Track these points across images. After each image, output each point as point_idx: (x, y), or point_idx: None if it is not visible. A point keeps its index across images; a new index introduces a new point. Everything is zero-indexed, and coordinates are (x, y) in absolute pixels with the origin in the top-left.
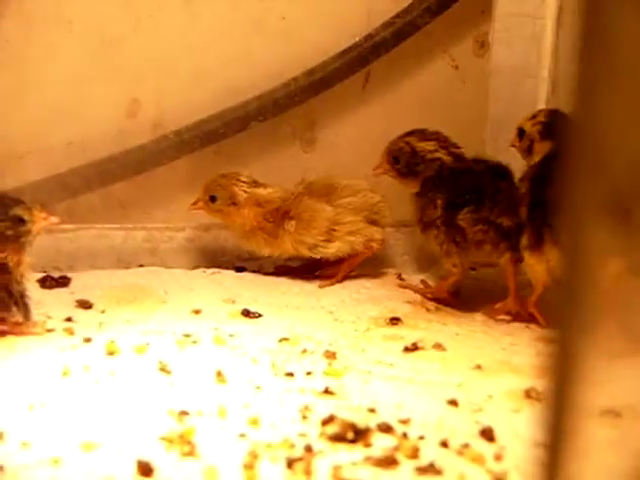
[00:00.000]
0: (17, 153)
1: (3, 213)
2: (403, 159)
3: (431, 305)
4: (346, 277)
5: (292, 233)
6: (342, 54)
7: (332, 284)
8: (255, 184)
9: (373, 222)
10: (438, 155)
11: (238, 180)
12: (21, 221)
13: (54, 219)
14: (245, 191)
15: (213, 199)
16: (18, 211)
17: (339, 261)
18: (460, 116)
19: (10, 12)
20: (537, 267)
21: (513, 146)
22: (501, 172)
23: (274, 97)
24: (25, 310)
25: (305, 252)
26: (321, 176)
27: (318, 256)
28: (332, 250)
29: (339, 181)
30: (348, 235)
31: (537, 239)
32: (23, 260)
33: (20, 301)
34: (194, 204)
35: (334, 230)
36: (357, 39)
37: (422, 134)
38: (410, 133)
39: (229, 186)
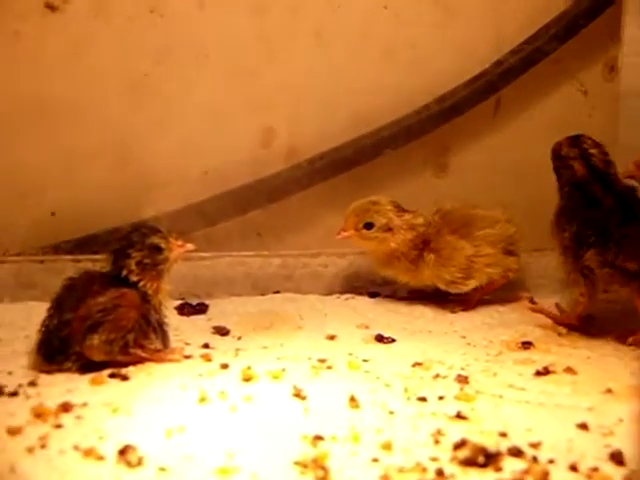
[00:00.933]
0: (156, 183)
1: (141, 242)
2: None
3: (563, 329)
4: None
5: (430, 267)
6: (472, 81)
7: (466, 310)
8: (400, 209)
9: (509, 252)
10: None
11: (392, 206)
12: (158, 249)
13: (190, 246)
14: (399, 216)
15: (370, 226)
16: (155, 240)
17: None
18: None
19: (148, 47)
20: None
21: (630, 177)
22: (630, 212)
23: (406, 124)
24: (164, 337)
25: (442, 286)
26: (457, 206)
27: (455, 291)
28: (470, 286)
29: (476, 212)
30: (486, 267)
31: None
32: (161, 288)
33: (159, 329)
34: (343, 232)
35: (472, 263)
36: (486, 66)
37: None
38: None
39: (386, 212)
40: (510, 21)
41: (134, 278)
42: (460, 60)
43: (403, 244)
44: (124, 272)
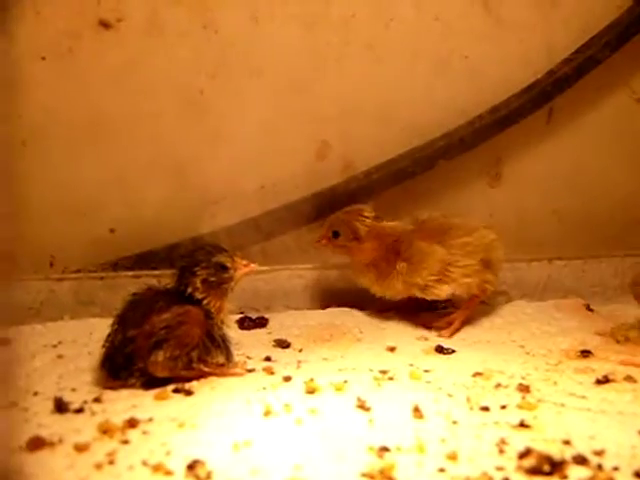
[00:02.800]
0: (212, 199)
1: (207, 260)
2: None
3: (621, 337)
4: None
5: (404, 275)
6: (525, 91)
7: (451, 335)
8: (377, 218)
9: (487, 263)
10: None
11: (360, 215)
12: (224, 268)
13: (255, 266)
14: (367, 225)
15: (336, 235)
16: (221, 258)
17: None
18: None
19: (202, 63)
20: None
21: None
22: None
23: (460, 135)
24: (227, 352)
25: (418, 293)
26: (434, 215)
27: (431, 298)
28: (445, 292)
29: (453, 220)
30: (463, 277)
31: None
32: (224, 306)
33: (222, 344)
34: (318, 241)
35: (447, 270)
36: (539, 76)
37: None
38: None
39: (351, 222)
40: (562, 30)
41: (199, 296)
42: (513, 70)
43: (369, 254)
44: (189, 289)
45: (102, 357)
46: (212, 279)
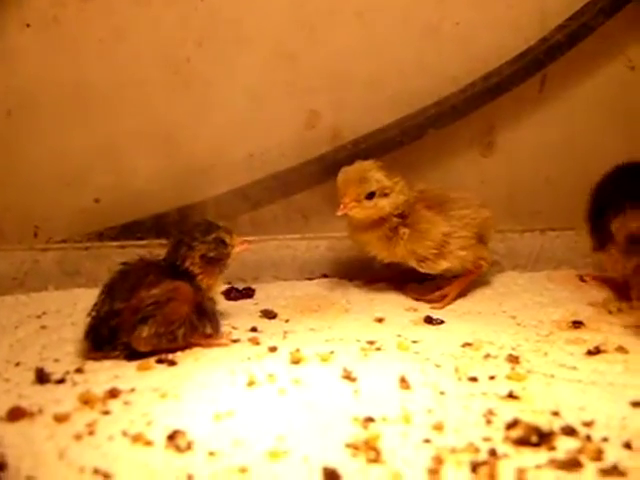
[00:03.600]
0: (200, 168)
1: (206, 235)
2: None
3: (613, 307)
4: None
5: (405, 240)
6: (517, 58)
7: (443, 307)
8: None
9: (481, 239)
10: None
11: (381, 169)
12: (223, 244)
13: (250, 245)
14: (391, 179)
15: (372, 196)
16: (221, 234)
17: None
18: (638, 118)
19: (189, 31)
20: None
21: None
22: None
23: (451, 103)
24: (215, 324)
25: (414, 263)
26: (431, 186)
27: (426, 271)
28: (441, 267)
29: (450, 193)
30: (459, 250)
31: None
32: (216, 283)
33: (211, 317)
34: (345, 207)
35: (446, 243)
36: (532, 43)
37: None
38: None
39: (381, 178)
40: None
41: (196, 271)
42: (505, 37)
43: (395, 208)
44: (186, 264)
45: (87, 327)
46: (211, 254)
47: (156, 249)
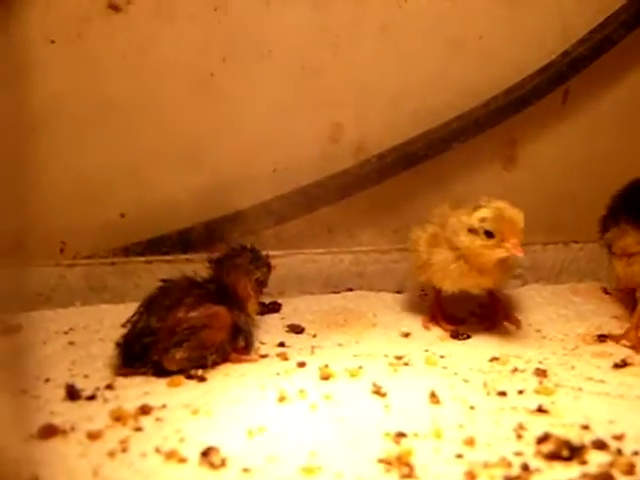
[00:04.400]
0: (224, 183)
1: (258, 260)
2: None
3: None
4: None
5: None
6: (540, 72)
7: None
8: None
9: None
10: None
11: None
12: (269, 267)
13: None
14: None
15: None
16: (267, 258)
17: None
18: None
19: (213, 46)
20: None
21: None
22: None
23: (475, 117)
24: (251, 342)
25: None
26: None
27: None
28: None
29: None
30: None
31: None
32: (257, 303)
33: (249, 335)
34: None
35: None
36: (554, 56)
37: None
38: None
39: None
40: (577, 10)
41: (250, 294)
42: (527, 51)
43: None
44: (240, 287)
45: (120, 340)
46: (263, 278)
47: (182, 264)
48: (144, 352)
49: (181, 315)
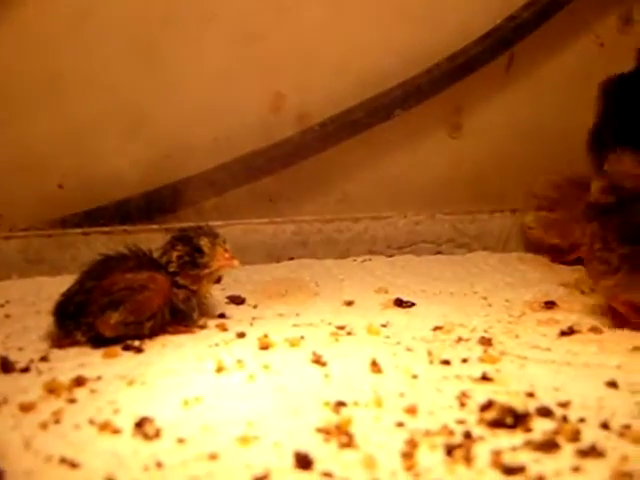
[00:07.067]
0: (166, 152)
1: (189, 239)
2: None
3: (586, 288)
4: None
5: None
6: (484, 37)
7: None
8: None
9: None
10: None
11: None
12: (199, 252)
13: (236, 263)
14: None
15: None
16: (201, 242)
17: None
18: None
19: (153, 11)
20: None
21: None
22: None
23: (418, 84)
24: (192, 315)
25: None
26: None
27: None
28: None
29: None
30: None
31: None
32: (203, 290)
33: (183, 314)
34: None
35: None
36: (498, 21)
37: None
38: None
39: None
40: None
41: (170, 269)
42: (472, 16)
43: None
44: (164, 259)
45: (55, 304)
46: (186, 258)
47: (120, 235)
48: (78, 312)
49: (117, 276)
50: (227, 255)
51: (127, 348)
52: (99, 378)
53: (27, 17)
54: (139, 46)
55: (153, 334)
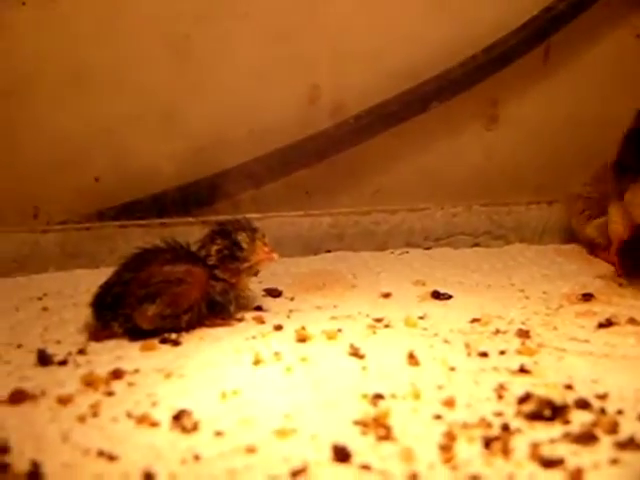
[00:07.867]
0: (201, 146)
1: (229, 233)
2: None
3: (623, 280)
4: None
5: None
6: (521, 29)
7: None
8: None
9: None
10: None
11: None
12: (238, 246)
13: (276, 257)
14: None
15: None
16: (240, 236)
17: None
18: None
19: (187, 8)
20: None
21: None
22: None
23: (453, 76)
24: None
25: None
26: None
27: None
28: None
29: None
30: None
31: None
32: (241, 284)
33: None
34: None
35: None
36: (535, 13)
37: None
38: None
39: None
40: None
41: (209, 262)
42: (509, 8)
43: None
44: (203, 252)
45: (93, 296)
46: (225, 252)
47: (156, 228)
48: (115, 304)
49: (155, 268)
50: (266, 249)
51: (164, 341)
52: (137, 371)
53: (63, 14)
54: (173, 42)
55: (190, 327)
